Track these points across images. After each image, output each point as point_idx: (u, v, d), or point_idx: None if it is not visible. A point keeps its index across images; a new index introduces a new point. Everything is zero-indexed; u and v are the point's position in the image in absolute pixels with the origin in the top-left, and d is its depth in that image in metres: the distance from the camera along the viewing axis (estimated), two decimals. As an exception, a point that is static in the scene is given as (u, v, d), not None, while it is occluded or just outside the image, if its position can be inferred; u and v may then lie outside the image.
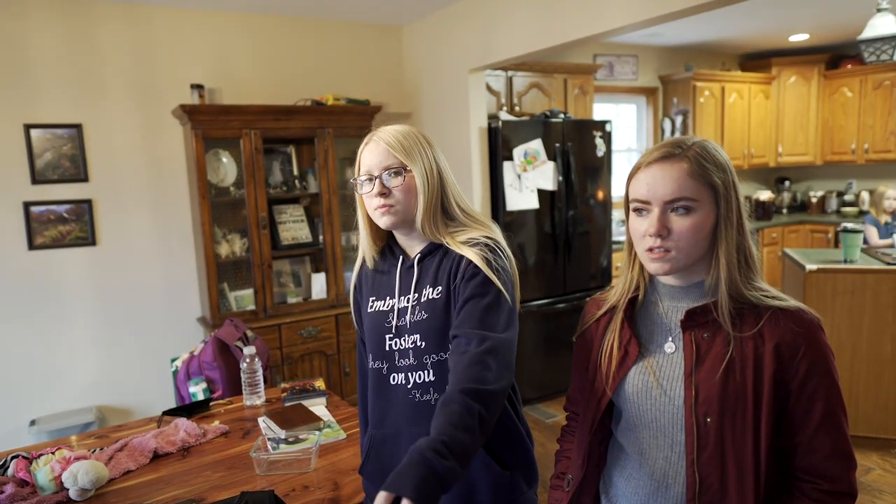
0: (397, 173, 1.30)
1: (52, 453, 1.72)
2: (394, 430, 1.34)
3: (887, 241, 4.45)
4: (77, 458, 1.68)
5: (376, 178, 1.31)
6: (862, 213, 5.95)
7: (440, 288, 1.30)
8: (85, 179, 3.47)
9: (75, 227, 3.47)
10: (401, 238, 1.39)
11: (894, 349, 3.32)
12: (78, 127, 3.42)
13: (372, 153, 1.32)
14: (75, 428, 3.37)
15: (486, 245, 1.29)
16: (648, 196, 1.05)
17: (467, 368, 1.09)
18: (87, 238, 3.50)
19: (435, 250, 1.34)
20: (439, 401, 1.07)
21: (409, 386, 1.32)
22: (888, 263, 3.37)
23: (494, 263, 1.25)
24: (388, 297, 1.36)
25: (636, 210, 1.09)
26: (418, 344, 1.30)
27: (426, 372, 1.30)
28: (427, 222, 1.31)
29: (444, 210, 1.34)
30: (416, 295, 1.32)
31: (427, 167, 1.32)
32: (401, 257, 1.37)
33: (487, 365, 1.10)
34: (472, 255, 1.26)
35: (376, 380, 1.37)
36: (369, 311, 1.39)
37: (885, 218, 4.61)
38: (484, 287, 1.22)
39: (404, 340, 1.32)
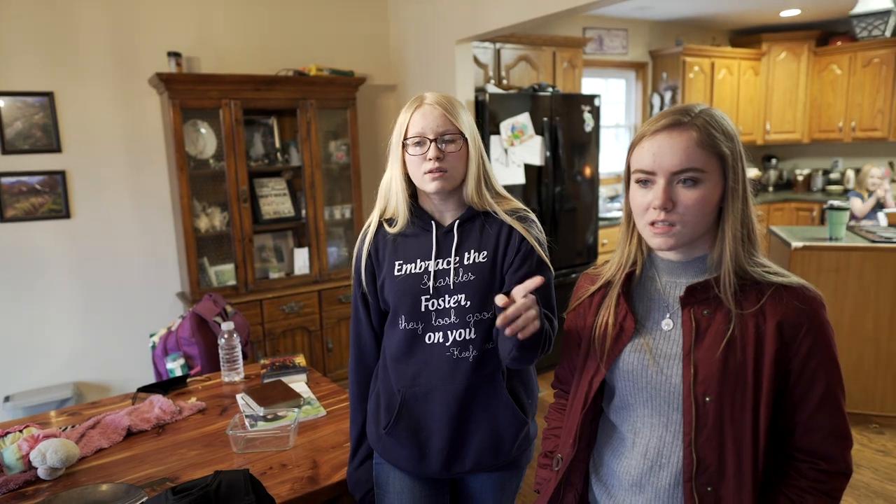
0: (453, 140, 1.33)
1: (20, 431, 1.67)
2: (427, 388, 1.37)
3: (871, 203, 4.51)
4: (46, 437, 1.63)
5: (431, 141, 1.32)
6: (846, 192, 5.97)
7: (486, 252, 1.36)
8: (58, 150, 3.35)
9: (48, 200, 3.36)
10: (436, 203, 1.40)
11: (876, 327, 3.34)
12: (49, 95, 3.29)
13: (427, 117, 1.33)
14: (51, 404, 3.31)
15: (529, 219, 1.40)
16: (654, 167, 1.00)
17: None
18: (61, 210, 3.40)
19: (474, 217, 1.38)
20: None
21: (447, 344, 1.36)
22: (873, 241, 3.37)
23: (539, 237, 1.38)
24: (419, 260, 1.38)
25: (639, 181, 1.03)
26: (462, 303, 1.35)
27: (468, 330, 1.35)
28: (476, 190, 1.37)
29: (484, 179, 1.40)
30: (458, 258, 1.36)
31: (475, 137, 1.38)
32: (433, 222, 1.39)
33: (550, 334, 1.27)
34: (522, 231, 1.36)
35: (409, 340, 1.38)
36: (397, 274, 1.39)
37: (867, 195, 4.66)
38: (540, 265, 1.36)
39: (444, 300, 1.36)
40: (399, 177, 1.39)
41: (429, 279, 1.36)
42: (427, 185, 1.34)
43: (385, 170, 1.44)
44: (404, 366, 1.39)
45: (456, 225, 1.38)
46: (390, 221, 1.43)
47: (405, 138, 1.35)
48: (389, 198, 1.42)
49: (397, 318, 1.40)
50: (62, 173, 3.37)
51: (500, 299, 1.06)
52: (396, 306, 1.40)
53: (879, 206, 4.61)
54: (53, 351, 3.47)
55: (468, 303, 1.34)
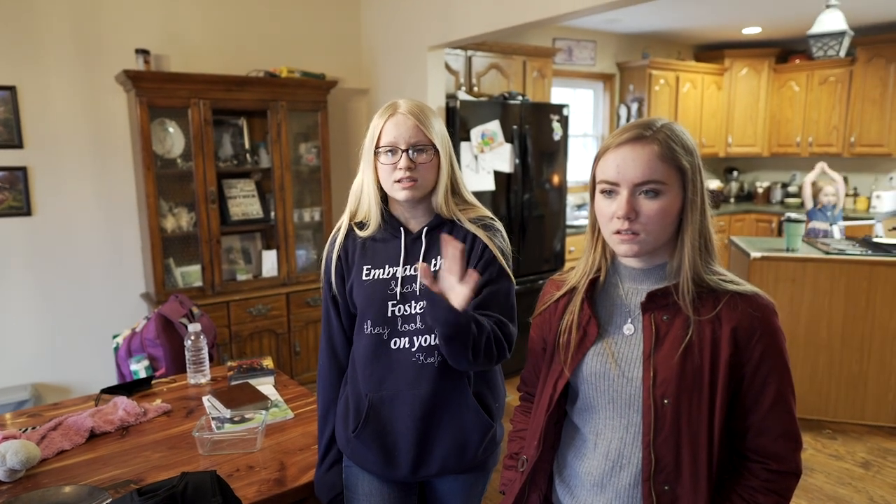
0: (424, 150, 1.35)
1: (-21, 433, 1.63)
2: (393, 392, 1.39)
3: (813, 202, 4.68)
4: (6, 438, 1.60)
5: (403, 151, 1.33)
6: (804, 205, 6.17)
7: None
8: (19, 146, 3.27)
9: (9, 196, 3.28)
10: (405, 210, 1.42)
11: (829, 335, 3.47)
12: (11, 89, 3.22)
13: (400, 126, 1.34)
14: (8, 406, 3.22)
15: (493, 227, 1.42)
16: (617, 178, 1.04)
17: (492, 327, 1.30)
18: (22, 208, 3.32)
19: (441, 224, 1.40)
20: None
21: (413, 349, 1.37)
22: (826, 253, 3.50)
23: (502, 246, 1.40)
24: (387, 266, 1.40)
25: (604, 192, 1.07)
26: None
27: (433, 335, 1.36)
28: (445, 200, 1.39)
29: (452, 187, 1.42)
30: (425, 265, 1.36)
31: (446, 146, 1.39)
32: (401, 229, 1.41)
33: (504, 340, 1.33)
34: (486, 239, 1.38)
35: (375, 345, 1.39)
36: (365, 279, 1.40)
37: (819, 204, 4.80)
38: (500, 274, 1.38)
39: (410, 306, 1.37)
40: (371, 182, 1.40)
41: (396, 285, 1.38)
42: (397, 193, 1.36)
43: (356, 173, 1.46)
44: (371, 370, 1.40)
45: (424, 232, 1.40)
46: (360, 225, 1.45)
47: (377, 146, 1.36)
48: (361, 202, 1.44)
49: (363, 322, 1.41)
50: (24, 169, 3.30)
51: (422, 266, 1.17)
52: (363, 311, 1.41)
53: (833, 215, 4.76)
54: (11, 351, 3.38)
55: None
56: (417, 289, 1.37)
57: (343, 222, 1.47)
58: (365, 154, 1.40)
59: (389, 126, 1.35)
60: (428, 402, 1.37)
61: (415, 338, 1.37)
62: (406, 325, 1.37)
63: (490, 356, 1.27)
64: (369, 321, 1.39)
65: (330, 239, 1.48)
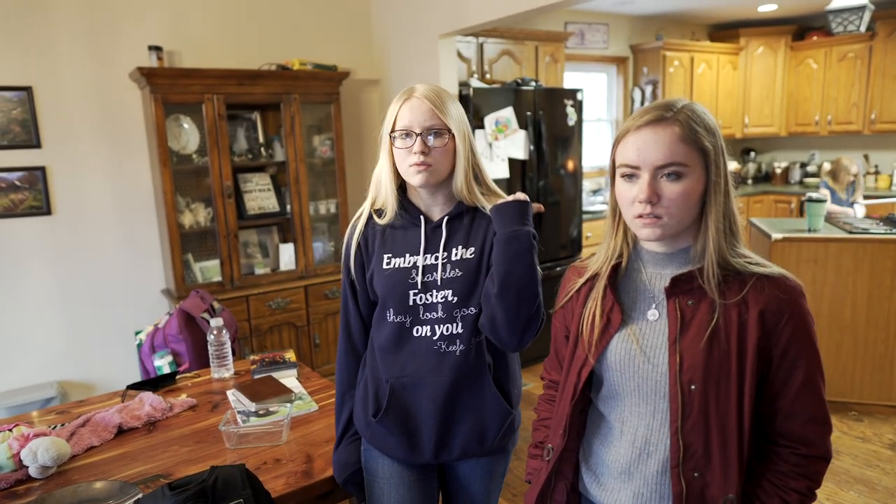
0: (439, 134, 1.34)
1: (10, 430, 1.66)
2: (414, 379, 1.39)
3: (845, 209, 4.58)
4: (36, 435, 1.62)
5: (417, 135, 1.32)
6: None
7: (473, 249, 1.37)
8: (37, 146, 3.31)
9: (28, 196, 3.32)
10: (424, 197, 1.41)
11: (853, 316, 3.42)
12: (28, 90, 3.24)
13: (415, 110, 1.33)
14: (36, 404, 3.27)
15: None
16: (638, 161, 1.02)
17: None
18: (42, 207, 3.35)
19: (463, 212, 1.40)
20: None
21: (434, 338, 1.37)
22: (850, 232, 3.45)
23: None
24: (408, 255, 1.40)
25: (624, 176, 1.05)
26: (450, 299, 1.36)
27: (455, 324, 1.37)
28: (465, 185, 1.38)
29: (475, 174, 1.40)
30: (446, 254, 1.37)
31: (464, 131, 1.38)
32: (421, 217, 1.40)
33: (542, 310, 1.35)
34: None
35: (397, 333, 1.40)
36: (385, 267, 1.40)
37: (840, 189, 4.71)
38: None
39: (432, 295, 1.37)
40: (388, 168, 1.40)
41: (417, 274, 1.38)
42: (412, 178, 1.35)
43: (372, 162, 1.45)
44: (392, 357, 1.41)
45: (445, 221, 1.39)
46: (380, 212, 1.45)
47: (392, 130, 1.36)
48: (379, 189, 1.44)
49: (385, 310, 1.41)
50: (42, 169, 3.33)
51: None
52: (385, 299, 1.41)
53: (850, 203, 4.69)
54: (36, 350, 3.44)
55: (455, 298, 1.36)
56: (438, 278, 1.37)
57: (364, 209, 1.47)
58: (382, 140, 1.40)
59: (405, 110, 1.34)
60: (449, 389, 1.37)
61: (436, 326, 1.37)
62: (427, 314, 1.37)
63: (538, 314, 1.31)
64: (391, 310, 1.40)
65: (350, 226, 1.48)
